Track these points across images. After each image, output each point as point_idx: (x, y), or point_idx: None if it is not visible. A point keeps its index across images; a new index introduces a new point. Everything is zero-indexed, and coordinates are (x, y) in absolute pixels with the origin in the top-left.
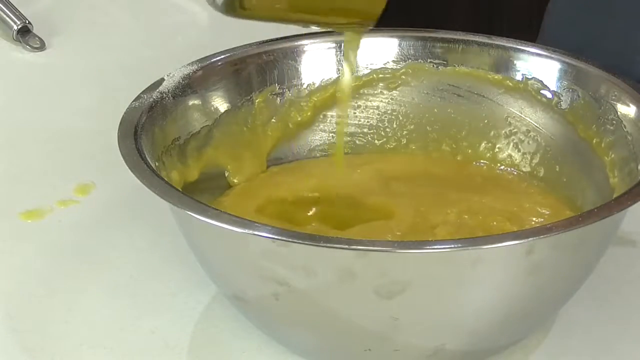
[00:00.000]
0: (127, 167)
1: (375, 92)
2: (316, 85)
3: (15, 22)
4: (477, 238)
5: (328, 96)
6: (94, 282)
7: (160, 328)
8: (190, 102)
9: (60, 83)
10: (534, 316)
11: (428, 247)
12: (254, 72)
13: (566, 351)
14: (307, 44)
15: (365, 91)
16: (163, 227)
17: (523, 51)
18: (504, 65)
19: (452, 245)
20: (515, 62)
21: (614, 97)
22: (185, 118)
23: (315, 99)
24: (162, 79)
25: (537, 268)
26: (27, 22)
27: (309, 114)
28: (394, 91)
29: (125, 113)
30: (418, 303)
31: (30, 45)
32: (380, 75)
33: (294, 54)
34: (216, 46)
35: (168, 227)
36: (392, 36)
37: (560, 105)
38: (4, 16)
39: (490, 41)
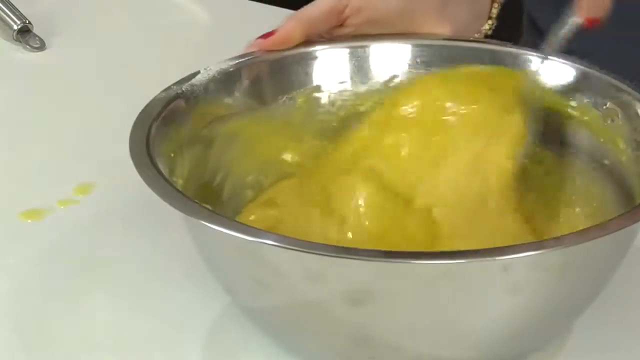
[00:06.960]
0: (127, 167)
1: None
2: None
3: (15, 22)
4: (481, 250)
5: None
6: (94, 282)
7: (160, 328)
8: (216, 99)
9: (60, 83)
10: (546, 329)
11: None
12: (293, 72)
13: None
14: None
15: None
16: (163, 227)
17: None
18: None
19: (463, 257)
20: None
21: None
22: (207, 115)
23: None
24: (198, 72)
25: (560, 277)
26: (27, 22)
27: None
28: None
29: (147, 105)
30: (427, 313)
31: (30, 45)
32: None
33: (339, 57)
34: (216, 46)
35: (168, 226)
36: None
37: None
38: (4, 16)
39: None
